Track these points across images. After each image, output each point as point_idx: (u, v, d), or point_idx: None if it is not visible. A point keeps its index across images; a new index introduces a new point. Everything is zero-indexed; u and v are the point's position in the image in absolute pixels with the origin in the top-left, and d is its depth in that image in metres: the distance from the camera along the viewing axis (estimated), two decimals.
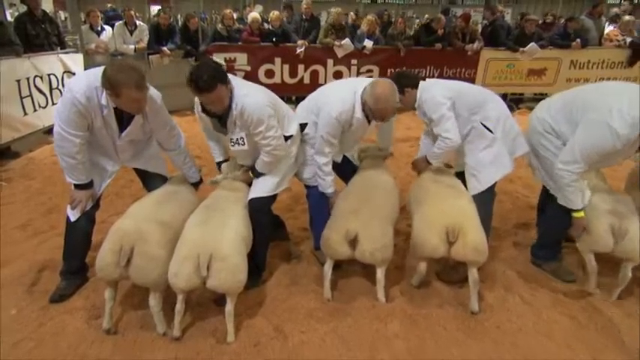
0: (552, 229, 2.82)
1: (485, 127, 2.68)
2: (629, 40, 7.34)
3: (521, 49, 7.20)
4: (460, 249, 2.31)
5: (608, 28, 7.87)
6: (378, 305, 2.45)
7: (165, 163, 2.81)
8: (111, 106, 2.23)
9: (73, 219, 2.46)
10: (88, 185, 2.45)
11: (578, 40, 7.27)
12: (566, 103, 2.54)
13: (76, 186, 2.41)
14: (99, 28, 6.66)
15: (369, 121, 2.65)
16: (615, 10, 9.05)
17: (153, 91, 2.36)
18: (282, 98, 7.41)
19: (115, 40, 6.70)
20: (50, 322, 2.29)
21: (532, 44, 7.16)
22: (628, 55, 7.40)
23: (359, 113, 2.55)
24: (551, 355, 2.15)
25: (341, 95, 2.58)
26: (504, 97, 7.87)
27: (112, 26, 6.90)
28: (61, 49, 5.77)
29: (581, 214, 2.50)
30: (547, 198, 2.90)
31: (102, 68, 2.15)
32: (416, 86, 2.77)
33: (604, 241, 2.46)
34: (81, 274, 2.61)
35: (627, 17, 7.59)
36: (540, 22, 8.56)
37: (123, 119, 2.35)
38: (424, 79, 2.83)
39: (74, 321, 2.30)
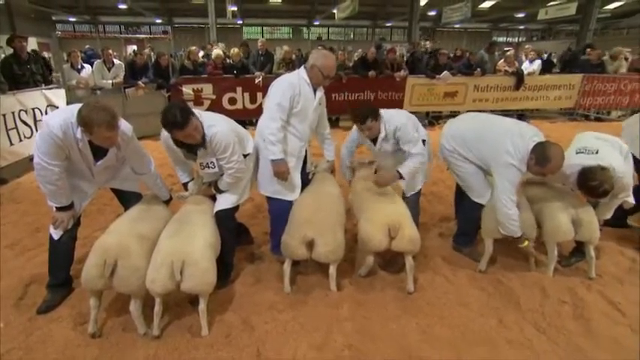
0: (467, 219, 2.98)
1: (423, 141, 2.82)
2: (514, 69, 7.95)
3: (437, 76, 7.57)
4: (399, 242, 2.41)
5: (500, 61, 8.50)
6: (330, 294, 2.47)
7: (138, 181, 2.70)
8: (85, 140, 2.14)
9: (56, 237, 2.33)
10: (69, 207, 2.33)
11: (479, 69, 7.76)
12: (475, 132, 2.73)
13: (58, 208, 2.29)
14: (79, 67, 6.42)
15: (314, 91, 2.63)
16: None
17: (125, 125, 2.28)
18: (244, 122, 7.34)
19: (95, 77, 6.50)
20: (38, 332, 2.15)
21: (445, 72, 7.56)
22: (514, 82, 7.98)
23: (304, 76, 2.58)
24: (468, 321, 2.27)
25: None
26: (427, 114, 8.28)
27: (91, 64, 6.67)
28: (45, 85, 5.53)
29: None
30: (460, 196, 3.08)
31: (78, 105, 2.08)
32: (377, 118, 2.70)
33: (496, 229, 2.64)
34: (66, 286, 2.46)
35: (509, 52, 8.26)
36: (451, 55, 9.08)
37: (98, 149, 2.25)
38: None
39: (61, 328, 2.17)
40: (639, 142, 3.05)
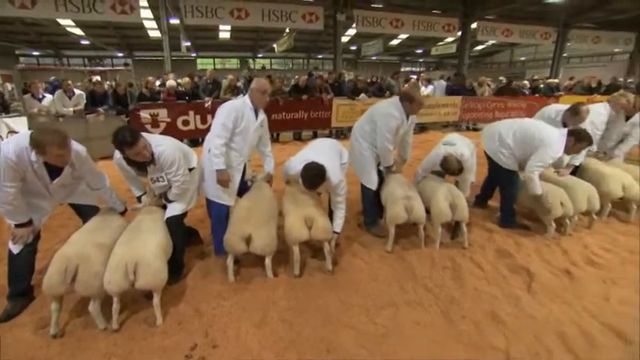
0: (367, 203, 3.27)
1: None
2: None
3: (356, 97, 7.91)
4: (315, 231, 2.49)
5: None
6: (268, 280, 2.47)
7: (95, 196, 2.52)
8: (40, 161, 1.99)
9: (15, 251, 2.12)
10: (28, 223, 2.12)
11: (388, 92, 8.28)
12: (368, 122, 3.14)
13: (17, 225, 2.09)
14: (40, 96, 5.82)
15: (255, 114, 2.65)
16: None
17: (78, 146, 2.14)
18: (197, 140, 6.99)
19: (56, 105, 5.90)
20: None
21: (362, 95, 7.91)
22: None
23: (247, 101, 2.62)
24: (376, 291, 2.40)
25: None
26: (350, 128, 8.57)
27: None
28: (5, 114, 5.06)
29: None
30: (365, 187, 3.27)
31: (30, 132, 1.94)
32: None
33: (402, 215, 2.83)
34: (26, 295, 2.23)
35: (412, 80, 8.96)
36: (368, 80, 9.57)
37: (53, 169, 2.08)
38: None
39: (23, 333, 1.96)
40: (496, 145, 3.35)
